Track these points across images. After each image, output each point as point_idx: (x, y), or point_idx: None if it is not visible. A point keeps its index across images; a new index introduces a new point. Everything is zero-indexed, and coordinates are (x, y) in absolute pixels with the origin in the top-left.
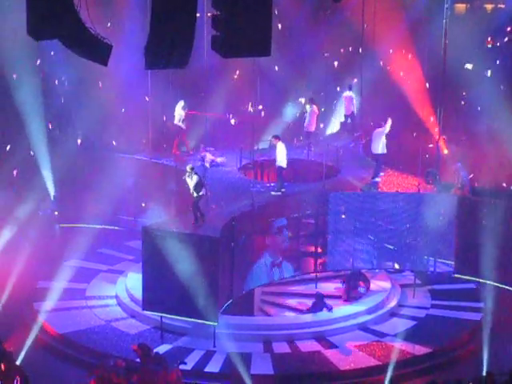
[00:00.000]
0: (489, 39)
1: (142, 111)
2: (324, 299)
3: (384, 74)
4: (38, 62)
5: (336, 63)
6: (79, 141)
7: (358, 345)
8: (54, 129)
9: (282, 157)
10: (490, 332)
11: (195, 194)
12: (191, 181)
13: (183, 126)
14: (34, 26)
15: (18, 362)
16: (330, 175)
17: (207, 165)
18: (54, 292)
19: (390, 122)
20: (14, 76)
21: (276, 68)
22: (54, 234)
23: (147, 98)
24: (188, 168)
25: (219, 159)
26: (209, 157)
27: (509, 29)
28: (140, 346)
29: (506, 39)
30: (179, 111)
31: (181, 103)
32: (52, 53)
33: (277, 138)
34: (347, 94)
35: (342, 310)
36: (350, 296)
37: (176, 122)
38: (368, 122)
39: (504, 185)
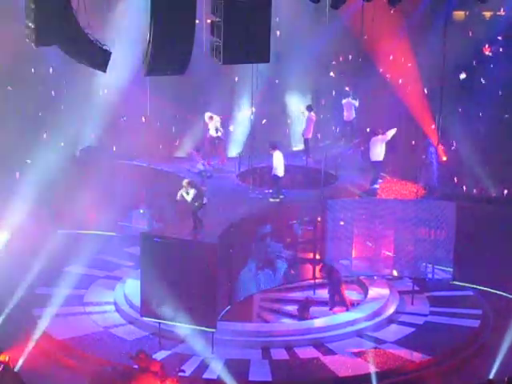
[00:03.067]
0: (486, 46)
1: (141, 117)
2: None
3: (383, 81)
4: (33, 70)
5: (335, 70)
6: (77, 147)
7: (356, 351)
8: (51, 135)
9: (277, 165)
10: (489, 339)
11: (195, 205)
12: (188, 195)
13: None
14: (33, 33)
15: (16, 369)
16: (329, 182)
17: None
18: (52, 298)
19: (393, 131)
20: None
21: (276, 81)
22: (52, 239)
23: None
24: (184, 183)
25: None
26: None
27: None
28: (138, 353)
29: (501, 49)
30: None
31: (216, 117)
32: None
33: (274, 147)
34: (347, 100)
35: (340, 316)
36: (334, 303)
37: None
38: (365, 129)
39: (505, 192)
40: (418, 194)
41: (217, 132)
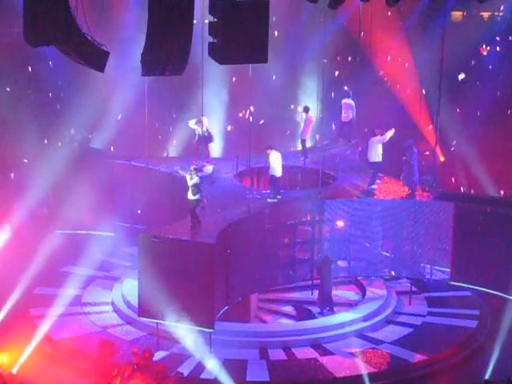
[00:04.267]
0: (483, 47)
1: (139, 117)
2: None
3: (380, 82)
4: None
5: (334, 71)
6: (75, 146)
7: (353, 352)
8: (50, 135)
9: (274, 165)
10: (486, 339)
11: (191, 197)
12: (191, 180)
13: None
14: (31, 33)
15: (14, 369)
16: (327, 182)
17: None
18: (50, 298)
19: (392, 132)
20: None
21: (274, 77)
22: (49, 240)
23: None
24: (192, 168)
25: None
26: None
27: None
28: (144, 351)
29: (498, 47)
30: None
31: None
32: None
33: (269, 147)
34: (346, 101)
35: (338, 317)
36: (324, 304)
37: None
38: (364, 130)
39: (501, 192)
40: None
41: (207, 132)
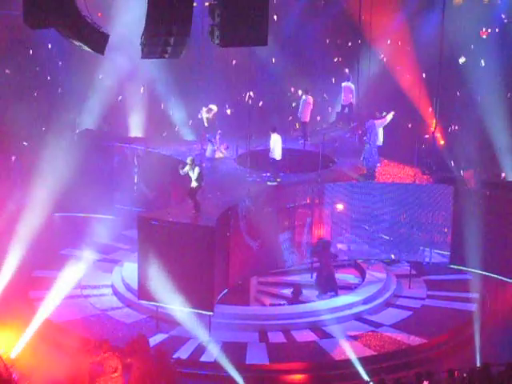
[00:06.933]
0: (483, 30)
1: (139, 100)
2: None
3: (380, 65)
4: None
5: (333, 54)
6: (77, 130)
7: (353, 335)
8: (49, 118)
9: (274, 148)
10: (485, 322)
11: (196, 184)
12: (193, 174)
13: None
14: (31, 15)
15: (13, 352)
16: (326, 165)
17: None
18: (49, 281)
19: (391, 115)
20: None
21: (273, 60)
22: (49, 222)
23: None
24: (188, 160)
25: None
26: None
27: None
28: (136, 338)
29: (497, 30)
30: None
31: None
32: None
33: (273, 129)
34: (346, 84)
35: (337, 300)
36: (324, 288)
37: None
38: (363, 113)
39: (502, 175)
40: (415, 177)
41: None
